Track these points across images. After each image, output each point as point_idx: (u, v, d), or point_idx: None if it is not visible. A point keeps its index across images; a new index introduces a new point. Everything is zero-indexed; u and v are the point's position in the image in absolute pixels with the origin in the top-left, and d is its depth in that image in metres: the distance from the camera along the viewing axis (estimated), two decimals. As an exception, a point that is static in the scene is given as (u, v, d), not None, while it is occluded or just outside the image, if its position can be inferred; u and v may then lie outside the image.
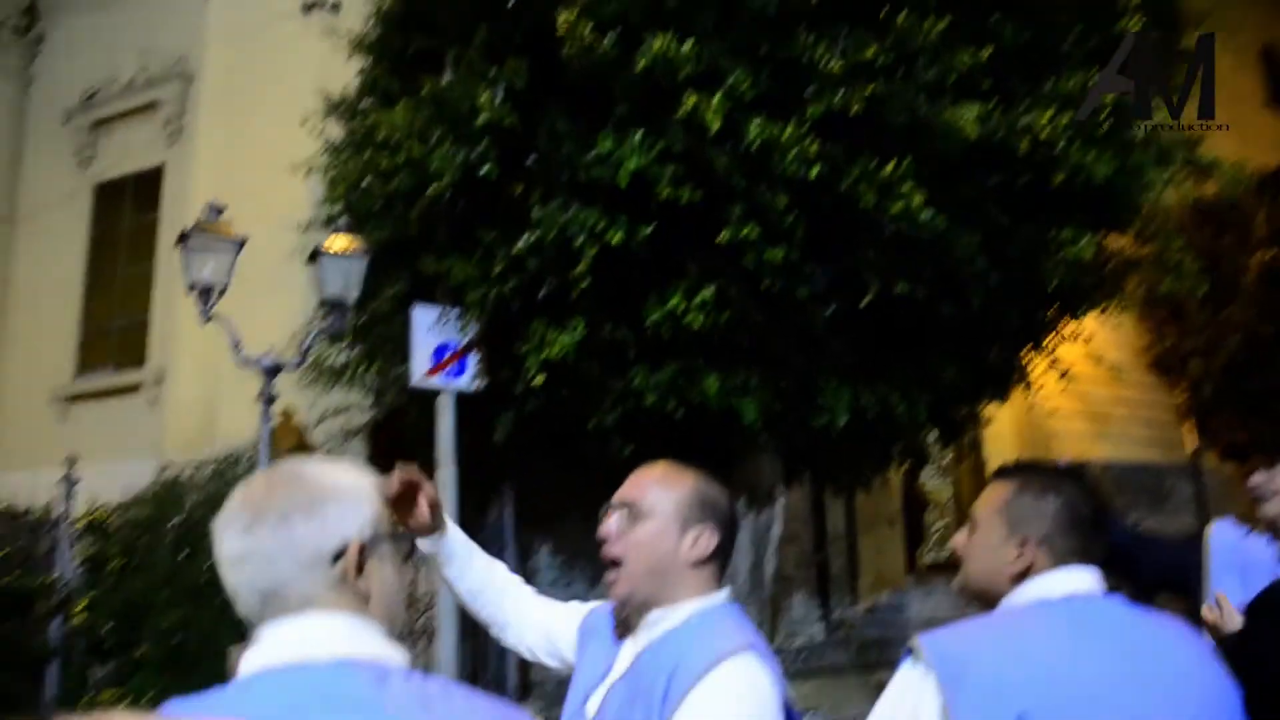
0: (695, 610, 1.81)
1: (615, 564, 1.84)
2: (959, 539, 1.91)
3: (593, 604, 2.12)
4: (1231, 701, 1.67)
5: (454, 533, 2.08)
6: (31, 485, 9.68)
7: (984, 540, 1.83)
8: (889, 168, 6.62)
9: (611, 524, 1.87)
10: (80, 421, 12.12)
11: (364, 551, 1.24)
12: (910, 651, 1.65)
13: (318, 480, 1.26)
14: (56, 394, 12.36)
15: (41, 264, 12.80)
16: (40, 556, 9.29)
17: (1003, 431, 12.47)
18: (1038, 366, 9.25)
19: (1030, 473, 1.86)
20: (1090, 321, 9.02)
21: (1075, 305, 8.47)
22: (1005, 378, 9.12)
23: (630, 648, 1.86)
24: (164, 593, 8.16)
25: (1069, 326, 8.92)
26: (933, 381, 8.23)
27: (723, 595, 1.87)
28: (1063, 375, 9.12)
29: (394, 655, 1.22)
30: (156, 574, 8.27)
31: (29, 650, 8.54)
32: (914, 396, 8.07)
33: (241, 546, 1.21)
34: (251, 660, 1.19)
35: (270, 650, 1.19)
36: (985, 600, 1.83)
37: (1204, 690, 1.64)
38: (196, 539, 8.01)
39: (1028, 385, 9.24)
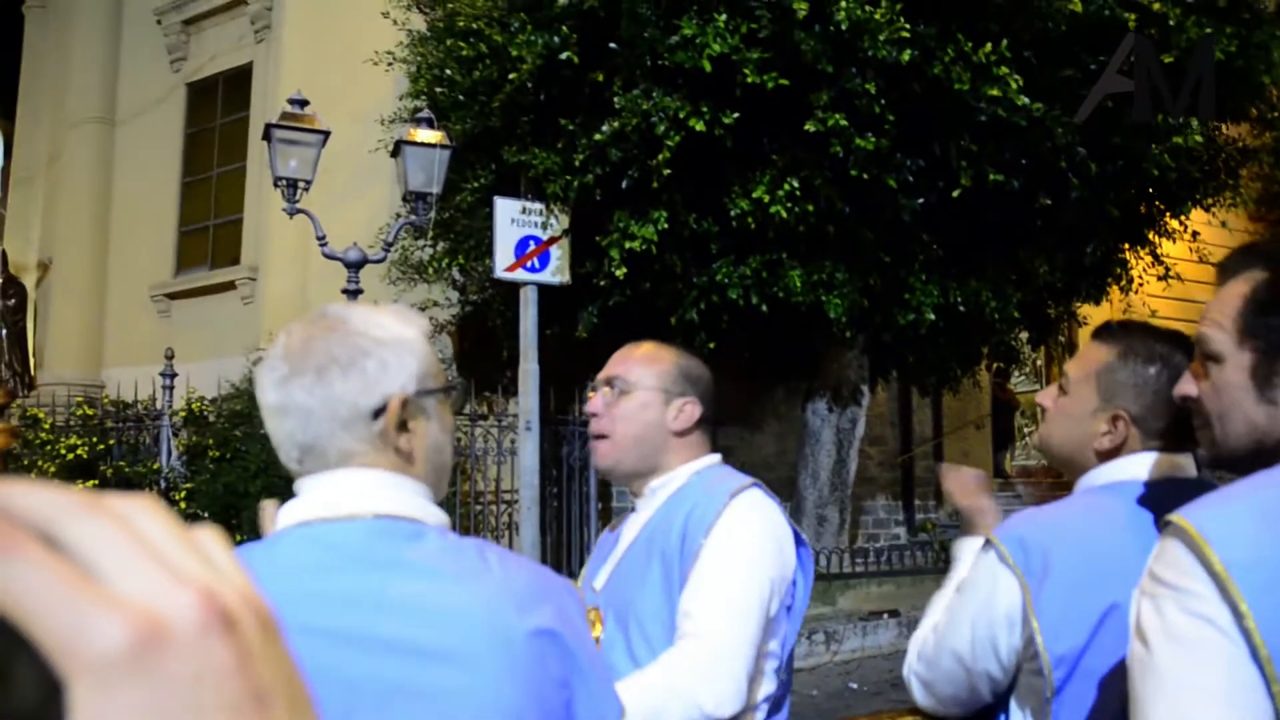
0: (693, 470, 1.88)
1: (602, 438, 1.90)
2: (1046, 396, 1.72)
3: None
4: None
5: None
6: (135, 380, 10.04)
7: (1072, 407, 1.63)
8: (985, 49, 6.34)
9: (598, 400, 1.91)
10: (180, 318, 12.50)
11: (406, 408, 1.18)
12: (987, 543, 1.54)
13: (360, 331, 1.17)
14: (157, 292, 12.74)
15: (140, 165, 13.09)
16: (145, 447, 9.68)
17: (1098, 334, 12.11)
18: (1137, 264, 8.92)
19: (1136, 336, 1.61)
20: (1197, 217, 8.63)
21: (1180, 199, 8.10)
22: (1102, 275, 8.82)
23: (634, 523, 1.91)
24: (258, 483, 8.41)
25: (1172, 222, 8.55)
26: (1025, 278, 8.00)
27: (716, 458, 1.94)
28: (1164, 275, 8.78)
29: (431, 514, 1.18)
30: (251, 464, 8.52)
31: (138, 535, 8.94)
32: (1005, 294, 7.85)
33: (278, 398, 1.16)
34: (288, 515, 1.17)
35: (306, 506, 1.17)
36: (1066, 469, 1.68)
37: None
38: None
39: (1126, 284, 8.91)
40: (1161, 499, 1.51)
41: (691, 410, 1.88)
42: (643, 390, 1.88)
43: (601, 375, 1.93)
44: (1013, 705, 1.54)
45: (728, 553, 1.70)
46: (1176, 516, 1.09)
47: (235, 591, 0.32)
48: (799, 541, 1.83)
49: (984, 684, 1.55)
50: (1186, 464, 1.58)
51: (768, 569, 1.72)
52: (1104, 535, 1.49)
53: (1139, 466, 1.56)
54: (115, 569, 0.30)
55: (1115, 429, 1.58)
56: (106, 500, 0.32)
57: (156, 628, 0.29)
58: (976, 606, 1.53)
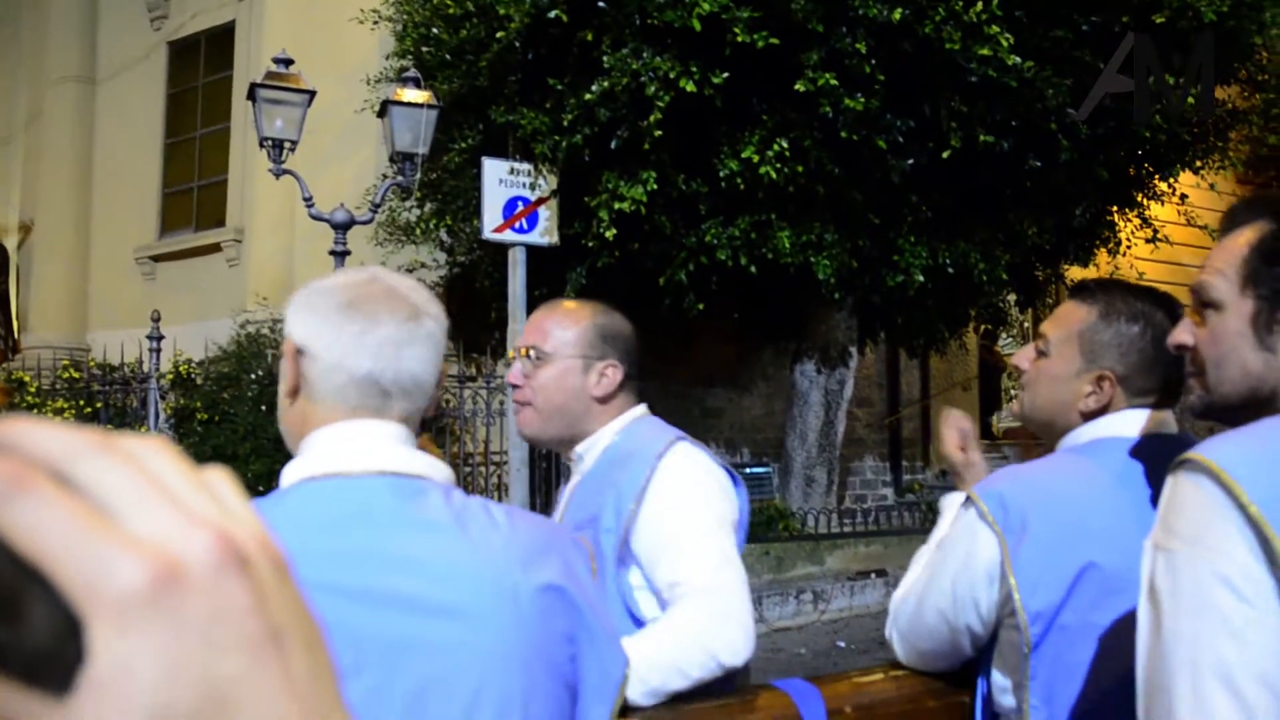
0: (617, 429, 1.85)
1: (526, 405, 1.87)
2: (1023, 357, 1.71)
3: None
4: None
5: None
6: (121, 343, 9.99)
7: (1055, 369, 1.62)
8: (976, 8, 6.31)
9: (516, 369, 1.87)
10: (164, 281, 12.41)
11: None
12: (968, 500, 1.55)
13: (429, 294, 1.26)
14: (141, 254, 12.64)
15: (122, 125, 12.92)
16: (133, 410, 9.65)
17: (1085, 297, 12.14)
18: (1125, 227, 8.94)
19: (1114, 295, 1.61)
20: (1185, 179, 8.63)
21: (1169, 161, 8.11)
22: (1090, 238, 8.84)
23: (568, 491, 1.90)
24: (247, 445, 8.41)
25: (1161, 185, 8.57)
26: (1014, 240, 8.02)
27: (641, 409, 1.91)
28: (1152, 239, 8.81)
29: (438, 471, 1.20)
30: (239, 427, 8.51)
31: (127, 498, 8.95)
32: (994, 256, 7.87)
33: (405, 332, 1.19)
34: (293, 470, 1.18)
35: (313, 461, 1.17)
36: (1048, 432, 1.67)
37: None
38: (275, 393, 8.16)
39: (1115, 246, 8.93)
40: (1144, 456, 1.53)
41: (613, 374, 1.84)
42: (561, 359, 1.83)
43: (519, 342, 1.89)
44: (993, 661, 1.56)
45: (687, 511, 1.68)
46: (1196, 454, 1.01)
47: (248, 532, 0.32)
48: (734, 480, 1.82)
49: (965, 639, 1.57)
50: (1169, 421, 1.59)
51: (726, 516, 1.72)
52: (1084, 494, 1.50)
53: (1121, 424, 1.57)
54: (129, 509, 0.30)
55: (1101, 389, 1.58)
56: (118, 439, 0.32)
57: (174, 568, 0.29)
58: (957, 563, 1.54)
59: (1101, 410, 1.59)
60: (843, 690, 1.63)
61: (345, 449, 1.17)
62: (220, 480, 0.34)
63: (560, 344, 1.84)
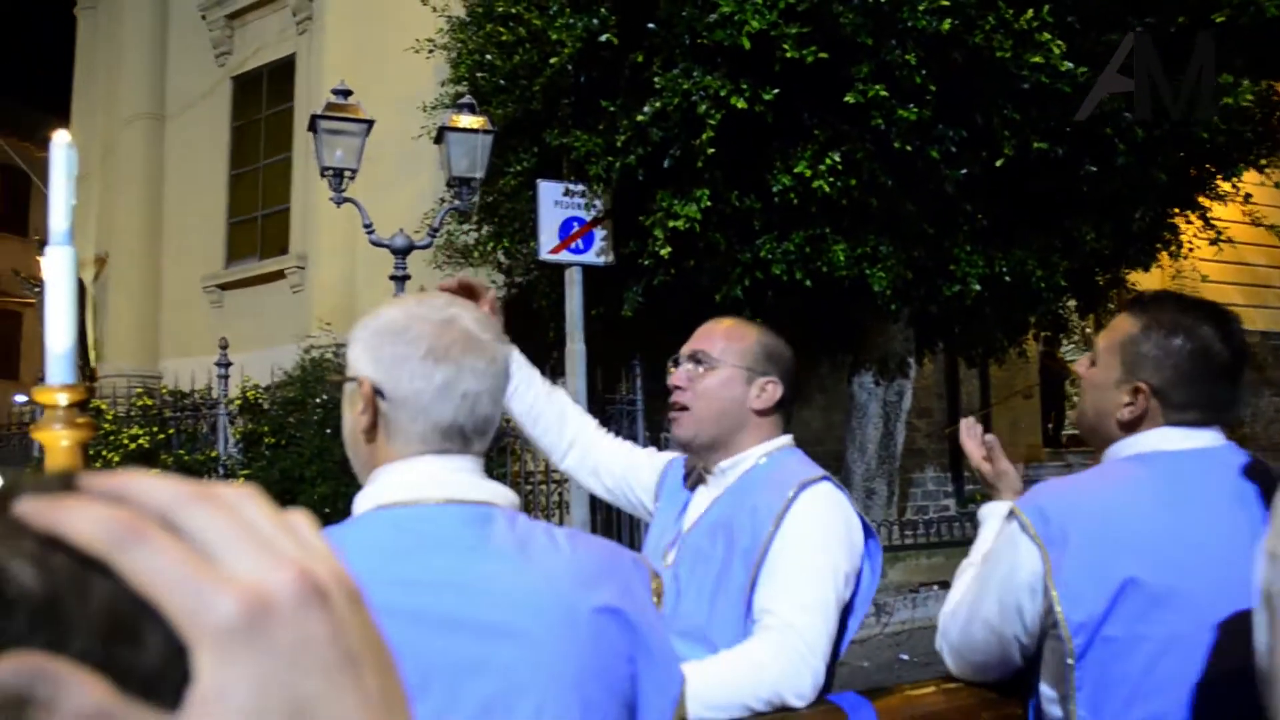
0: (764, 452, 1.88)
1: (684, 410, 1.90)
2: (1081, 365, 1.75)
3: (671, 454, 2.14)
4: None
5: (513, 351, 2.08)
6: (191, 370, 10.26)
7: (1099, 378, 1.67)
8: (1026, 16, 6.26)
9: (681, 374, 1.91)
10: (232, 308, 12.72)
11: None
12: (1010, 513, 1.58)
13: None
14: (209, 283, 12.96)
15: (189, 158, 13.30)
16: (203, 435, 9.90)
17: (1149, 301, 11.91)
18: (1188, 229, 8.77)
19: (1162, 308, 1.62)
20: (1249, 178, 8.46)
21: (1231, 160, 7.95)
22: (1151, 241, 8.68)
23: (702, 498, 1.92)
24: (313, 468, 8.56)
25: (1224, 185, 8.40)
26: (1072, 246, 7.90)
27: (788, 439, 1.93)
28: (1215, 240, 8.64)
29: (502, 497, 1.24)
30: (305, 450, 8.68)
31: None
32: (1052, 263, 7.77)
33: (484, 381, 1.23)
34: (363, 500, 1.23)
35: (382, 490, 1.22)
36: (1094, 440, 1.71)
37: None
38: (340, 417, 8.21)
39: (1176, 249, 8.77)
40: (1188, 471, 1.54)
41: (773, 390, 1.88)
42: (726, 367, 1.87)
43: (685, 349, 1.93)
44: (1041, 671, 1.58)
45: (804, 548, 1.70)
46: None
47: (327, 569, 0.37)
48: (868, 533, 1.83)
49: (1015, 649, 1.60)
50: (1214, 436, 1.59)
51: (841, 564, 1.73)
52: (1126, 507, 1.51)
53: (1163, 439, 1.58)
54: (226, 551, 0.35)
55: (1136, 401, 1.60)
56: (215, 489, 0.37)
57: (263, 602, 0.34)
58: (1001, 576, 1.57)
59: (1137, 421, 1.61)
60: (895, 704, 1.66)
61: (415, 479, 1.21)
62: (302, 521, 0.39)
63: (727, 353, 1.88)
